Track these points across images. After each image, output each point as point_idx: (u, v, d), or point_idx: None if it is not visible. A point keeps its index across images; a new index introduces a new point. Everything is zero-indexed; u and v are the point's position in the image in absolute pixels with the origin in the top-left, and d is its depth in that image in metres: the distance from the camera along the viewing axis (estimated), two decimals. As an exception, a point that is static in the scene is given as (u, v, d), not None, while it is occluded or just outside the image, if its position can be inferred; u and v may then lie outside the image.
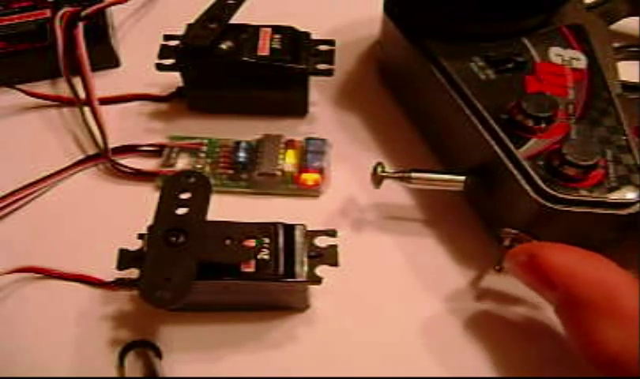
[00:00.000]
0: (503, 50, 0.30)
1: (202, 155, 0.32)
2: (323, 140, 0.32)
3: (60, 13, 0.34)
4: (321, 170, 0.31)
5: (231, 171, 0.31)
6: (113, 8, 0.38)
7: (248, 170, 0.31)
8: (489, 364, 0.26)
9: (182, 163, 0.32)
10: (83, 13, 0.34)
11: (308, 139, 0.32)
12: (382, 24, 0.34)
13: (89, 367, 0.26)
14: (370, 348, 0.26)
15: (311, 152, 0.32)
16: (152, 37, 0.33)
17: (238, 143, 0.32)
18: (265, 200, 0.31)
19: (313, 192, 0.31)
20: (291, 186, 0.31)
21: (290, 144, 0.32)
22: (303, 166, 0.31)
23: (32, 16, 0.36)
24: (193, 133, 0.33)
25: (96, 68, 0.33)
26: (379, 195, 0.30)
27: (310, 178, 0.31)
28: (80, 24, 0.34)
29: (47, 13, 0.36)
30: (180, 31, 0.32)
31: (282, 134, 0.32)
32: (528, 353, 0.26)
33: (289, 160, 0.31)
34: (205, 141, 0.33)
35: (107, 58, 0.37)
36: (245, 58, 0.31)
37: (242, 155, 0.32)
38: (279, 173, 0.31)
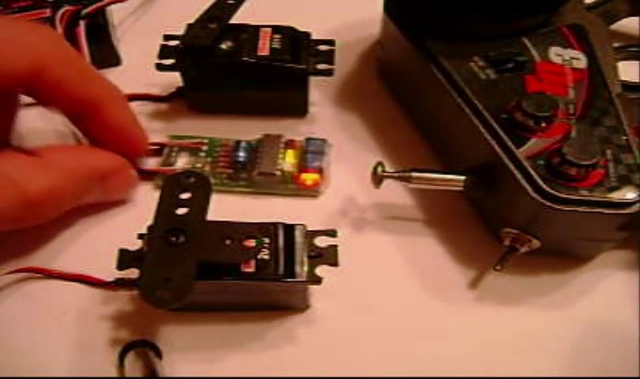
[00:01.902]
0: (503, 50, 0.30)
1: (202, 154, 0.32)
2: (323, 140, 0.32)
3: (60, 11, 0.34)
4: (320, 171, 0.31)
5: (230, 171, 0.31)
6: (112, 6, 0.38)
7: (248, 170, 0.31)
8: (490, 364, 0.26)
9: (182, 162, 0.32)
10: (83, 12, 0.34)
11: (308, 139, 0.32)
12: (382, 24, 0.34)
13: (89, 367, 0.26)
14: (370, 348, 0.26)
15: (311, 152, 0.32)
16: (152, 36, 0.33)
17: (238, 142, 0.32)
18: (265, 200, 0.31)
19: (312, 192, 0.31)
20: (291, 186, 0.31)
21: (290, 144, 0.32)
22: (302, 167, 0.31)
23: (32, 15, 0.36)
24: (194, 133, 0.33)
25: (96, 67, 0.33)
26: (379, 195, 0.30)
27: (309, 178, 0.31)
28: (82, 23, 0.34)
29: (47, 12, 0.36)
30: (180, 31, 0.32)
31: (282, 134, 0.32)
32: (529, 352, 0.26)
33: (289, 160, 0.31)
34: (206, 141, 0.33)
35: (107, 57, 0.37)
36: (245, 58, 0.31)
37: (241, 154, 0.32)
38: (278, 173, 0.31)
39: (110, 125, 0.29)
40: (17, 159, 0.26)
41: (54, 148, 0.27)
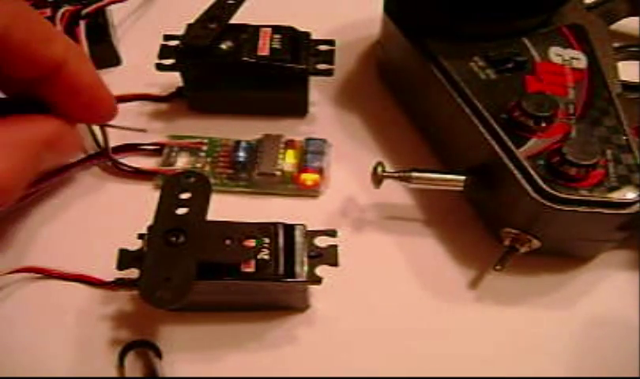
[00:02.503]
0: (503, 50, 0.30)
1: (202, 154, 0.32)
2: (323, 140, 0.32)
3: (61, 11, 0.34)
4: (320, 171, 0.31)
5: (230, 171, 0.31)
6: (112, 6, 0.38)
7: (248, 170, 0.31)
8: (490, 363, 0.26)
9: (182, 162, 0.32)
10: (84, 12, 0.34)
11: (308, 139, 0.32)
12: (382, 24, 0.34)
13: (89, 367, 0.26)
14: (370, 348, 0.26)
15: (311, 152, 0.32)
16: (152, 36, 0.33)
17: (238, 142, 0.32)
18: (265, 200, 0.31)
19: (312, 192, 0.31)
20: (291, 186, 0.31)
21: (290, 144, 0.32)
22: (302, 167, 0.31)
23: (32, 16, 0.36)
24: (194, 133, 0.33)
25: (97, 66, 0.33)
26: (379, 195, 0.30)
27: (309, 178, 0.31)
28: (82, 23, 0.34)
29: (48, 12, 0.36)
30: (180, 30, 0.32)
31: (282, 134, 0.32)
32: (529, 352, 0.26)
33: (289, 160, 0.31)
34: (206, 140, 0.33)
35: (108, 56, 0.37)
36: (245, 58, 0.31)
37: (241, 154, 0.32)
38: (278, 173, 0.31)
39: (73, 86, 0.27)
40: None
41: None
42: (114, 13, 0.39)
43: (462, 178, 0.28)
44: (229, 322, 0.27)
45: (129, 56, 0.38)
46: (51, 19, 0.35)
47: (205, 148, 0.32)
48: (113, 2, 0.37)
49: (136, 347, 0.26)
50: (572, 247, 0.28)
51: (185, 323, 0.27)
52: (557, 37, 0.31)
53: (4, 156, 0.24)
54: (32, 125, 0.27)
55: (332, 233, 0.26)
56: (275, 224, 0.25)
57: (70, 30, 0.34)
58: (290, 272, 0.25)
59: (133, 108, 0.35)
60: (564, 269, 0.29)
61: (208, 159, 0.32)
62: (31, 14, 0.26)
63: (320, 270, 0.25)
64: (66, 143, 0.28)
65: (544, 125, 0.27)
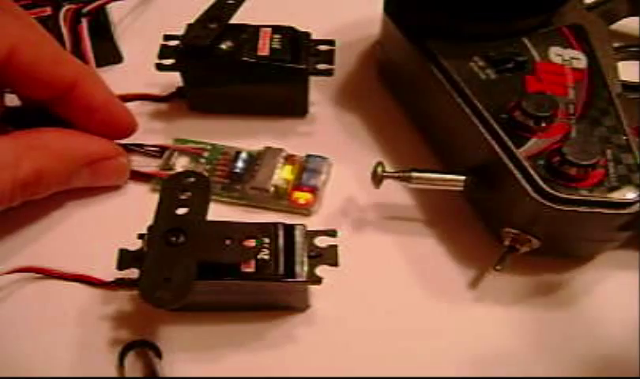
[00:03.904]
0: (503, 50, 0.30)
1: (202, 160, 0.32)
2: (324, 158, 0.32)
3: (63, 10, 0.34)
4: (315, 190, 0.30)
5: (227, 181, 0.31)
6: (111, 5, 0.38)
7: (242, 182, 0.31)
8: (490, 363, 0.26)
9: (181, 166, 0.32)
10: (85, 10, 0.34)
11: (309, 156, 0.32)
12: (382, 24, 0.34)
13: (89, 367, 0.26)
14: (370, 348, 0.26)
15: (309, 170, 0.31)
16: (152, 36, 0.33)
17: (238, 153, 0.32)
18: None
19: (304, 210, 0.30)
20: (283, 202, 0.30)
21: (290, 159, 0.31)
22: (297, 184, 0.31)
23: (33, 14, 0.36)
24: (194, 134, 0.33)
25: (99, 64, 0.34)
26: (379, 195, 0.30)
27: (302, 196, 0.30)
28: (84, 21, 0.34)
29: (48, 10, 0.36)
30: (179, 28, 0.32)
31: (283, 148, 0.32)
32: (529, 352, 0.26)
33: (285, 176, 0.31)
34: (209, 147, 0.32)
35: (109, 54, 0.37)
36: (245, 58, 0.31)
37: (239, 165, 0.31)
38: (271, 189, 0.30)
39: (88, 105, 0.28)
40: (6, 140, 0.25)
41: (45, 129, 0.27)
42: (115, 12, 0.39)
43: (462, 178, 0.28)
44: (229, 322, 0.27)
45: (128, 55, 0.38)
46: (52, 17, 0.35)
47: (206, 154, 0.32)
48: (113, 0, 0.37)
49: (136, 347, 0.26)
50: (572, 247, 0.28)
51: (185, 323, 0.27)
52: (557, 37, 0.31)
53: (37, 158, 0.26)
54: (76, 140, 0.28)
55: (332, 233, 0.26)
56: (275, 224, 0.25)
57: (73, 28, 0.34)
58: (290, 272, 0.25)
59: (133, 108, 0.34)
60: (564, 269, 0.29)
61: (207, 166, 0.32)
62: (39, 35, 0.27)
63: (320, 270, 0.25)
64: (110, 167, 0.30)
65: (544, 125, 0.27)
